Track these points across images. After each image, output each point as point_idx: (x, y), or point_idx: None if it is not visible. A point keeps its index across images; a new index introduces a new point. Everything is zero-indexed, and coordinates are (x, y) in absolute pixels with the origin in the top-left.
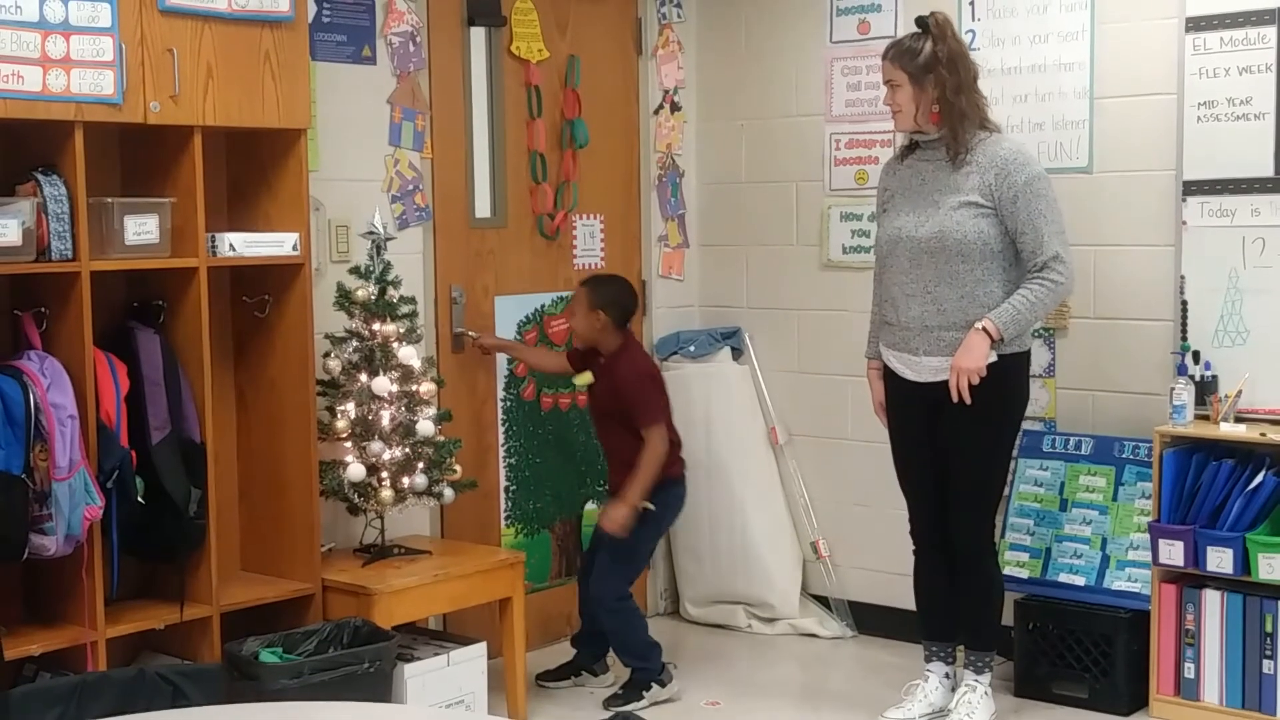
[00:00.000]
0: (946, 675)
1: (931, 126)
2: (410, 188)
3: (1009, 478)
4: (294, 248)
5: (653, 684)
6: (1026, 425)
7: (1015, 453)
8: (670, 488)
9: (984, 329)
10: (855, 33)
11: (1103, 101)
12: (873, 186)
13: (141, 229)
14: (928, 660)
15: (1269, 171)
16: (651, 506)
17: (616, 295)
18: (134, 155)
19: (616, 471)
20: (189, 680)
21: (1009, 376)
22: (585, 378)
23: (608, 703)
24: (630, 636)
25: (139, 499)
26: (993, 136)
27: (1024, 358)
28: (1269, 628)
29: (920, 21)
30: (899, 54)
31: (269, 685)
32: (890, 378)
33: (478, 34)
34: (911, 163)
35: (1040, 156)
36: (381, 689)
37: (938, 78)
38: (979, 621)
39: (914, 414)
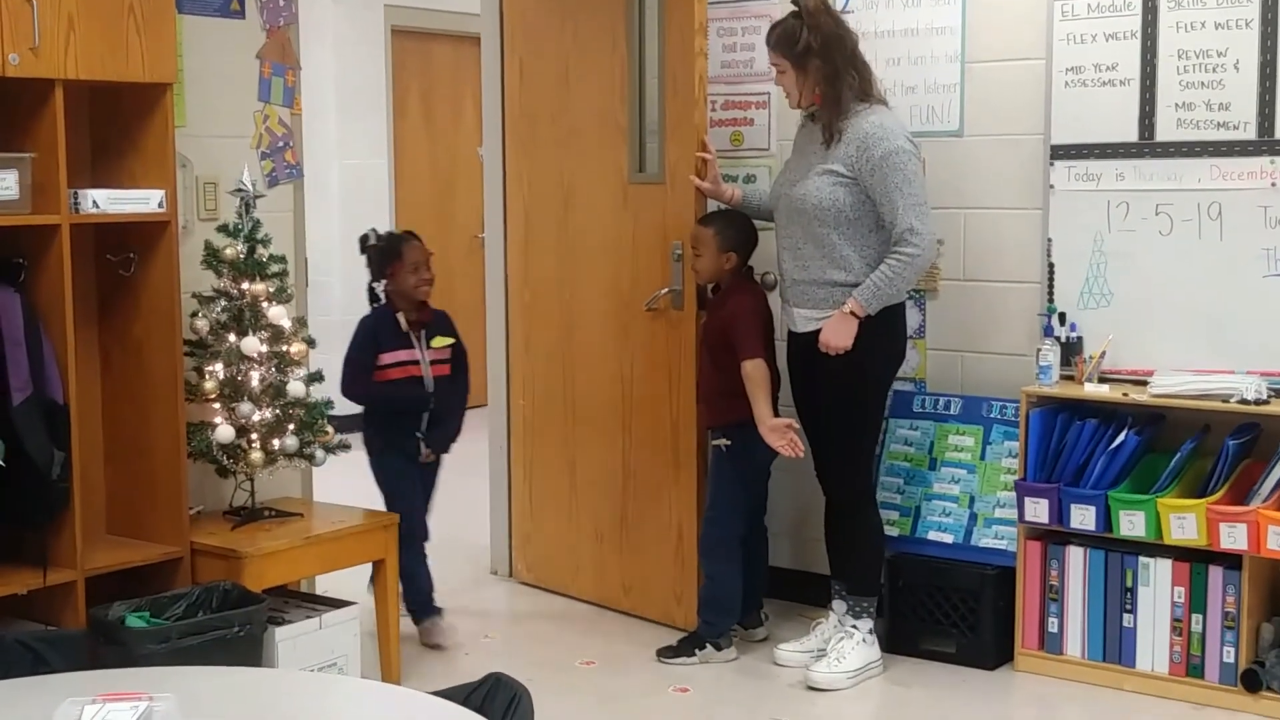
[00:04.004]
0: (847, 613)
1: (815, 107)
2: (280, 144)
3: (880, 436)
4: (160, 205)
5: (708, 644)
6: (897, 385)
7: (886, 412)
8: (755, 427)
9: (851, 311)
10: None
11: (973, 66)
12: (749, 148)
13: (0, 185)
14: (832, 598)
15: (1133, 137)
16: (727, 442)
17: (746, 236)
18: None
19: (699, 403)
20: (50, 646)
21: (873, 329)
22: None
23: (660, 653)
24: (709, 586)
25: None
26: (866, 109)
27: (888, 313)
28: (1129, 583)
29: (795, 1)
30: (779, 41)
31: (135, 650)
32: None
33: None
34: (808, 124)
35: (912, 120)
36: (252, 653)
37: (814, 65)
38: (853, 567)
39: (798, 364)
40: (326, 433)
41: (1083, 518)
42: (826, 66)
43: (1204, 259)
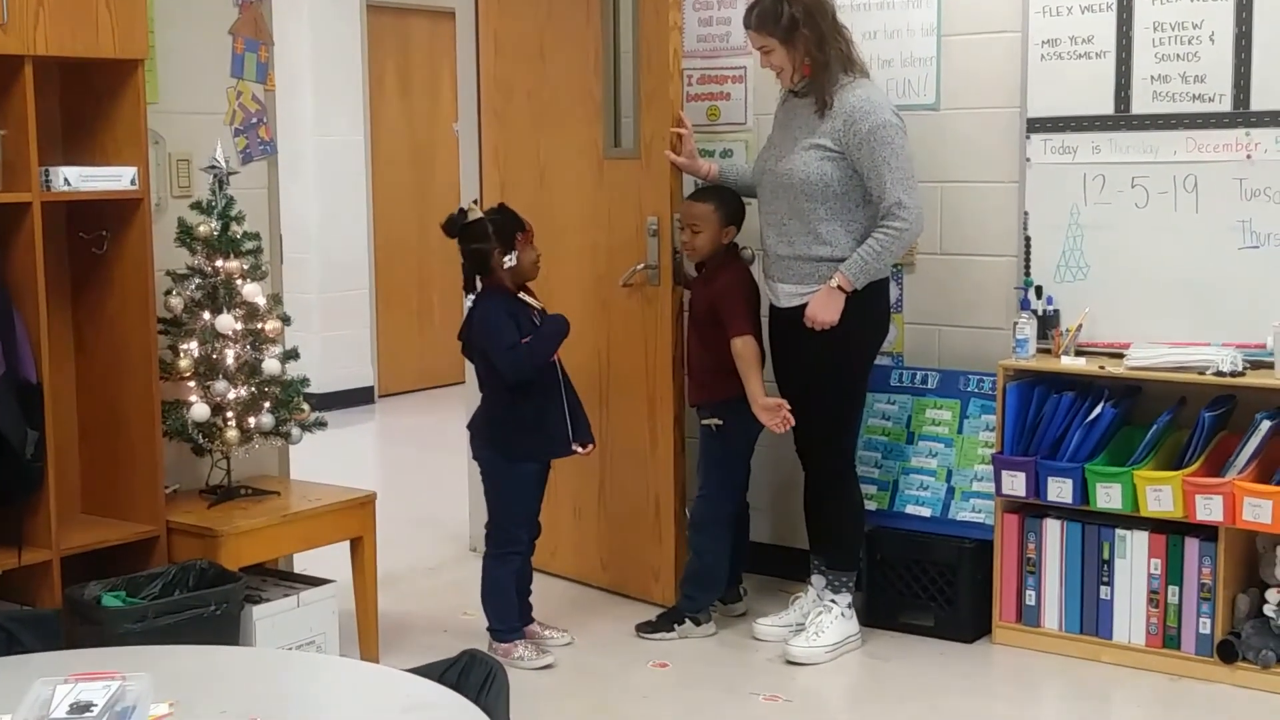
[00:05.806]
0: (826, 587)
1: (804, 80)
2: (254, 121)
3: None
4: (132, 182)
5: (687, 619)
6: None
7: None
8: (745, 405)
9: (838, 285)
10: None
11: (949, 39)
12: (725, 123)
13: None
14: (811, 572)
15: (1109, 109)
16: (718, 422)
17: (740, 208)
18: None
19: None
20: (23, 626)
21: (858, 303)
22: None
23: (639, 628)
24: (696, 562)
25: None
26: (851, 82)
27: (873, 287)
28: (1106, 555)
29: None
30: (760, 21)
31: (112, 630)
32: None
33: None
34: (790, 99)
35: (889, 94)
36: (229, 632)
37: (802, 36)
38: (833, 542)
39: (781, 339)
40: (303, 410)
41: (1059, 490)
42: (813, 34)
43: (1180, 231)
